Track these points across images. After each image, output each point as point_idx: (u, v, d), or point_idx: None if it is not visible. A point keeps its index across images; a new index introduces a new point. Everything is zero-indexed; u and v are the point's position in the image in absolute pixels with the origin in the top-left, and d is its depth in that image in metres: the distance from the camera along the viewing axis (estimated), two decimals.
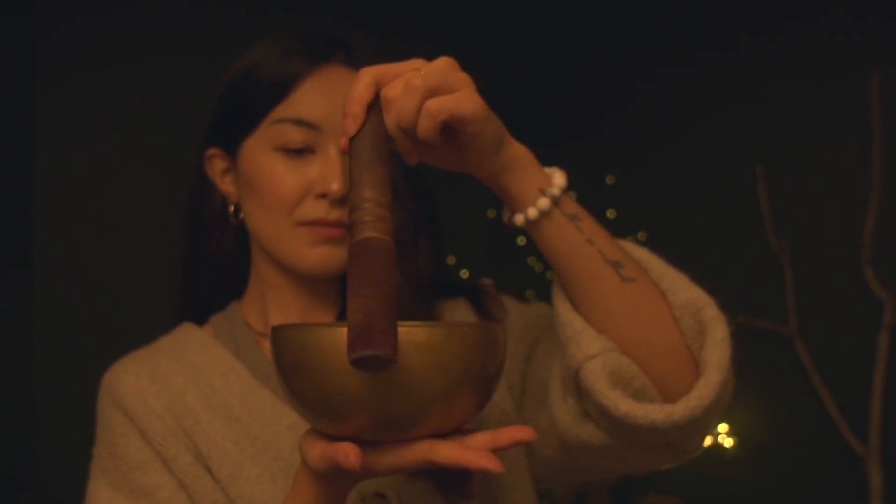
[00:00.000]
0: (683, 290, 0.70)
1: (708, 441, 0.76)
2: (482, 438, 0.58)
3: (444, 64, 0.61)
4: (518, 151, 0.66)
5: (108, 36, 2.14)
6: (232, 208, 0.86)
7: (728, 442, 2.10)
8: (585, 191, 2.09)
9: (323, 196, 0.79)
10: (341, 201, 0.79)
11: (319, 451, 0.58)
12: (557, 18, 2.67)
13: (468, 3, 2.67)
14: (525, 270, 2.41)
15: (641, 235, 2.34)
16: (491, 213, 2.52)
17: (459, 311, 0.89)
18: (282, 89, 0.79)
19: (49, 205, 2.09)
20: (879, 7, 1.91)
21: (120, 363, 0.85)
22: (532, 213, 0.67)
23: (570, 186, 0.69)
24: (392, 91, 0.60)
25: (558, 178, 0.67)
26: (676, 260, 0.73)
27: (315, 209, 0.79)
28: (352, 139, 0.60)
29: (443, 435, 0.58)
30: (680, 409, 0.66)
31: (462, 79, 0.61)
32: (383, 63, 0.62)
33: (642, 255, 0.72)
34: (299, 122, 0.79)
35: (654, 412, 0.66)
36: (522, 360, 0.84)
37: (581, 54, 2.62)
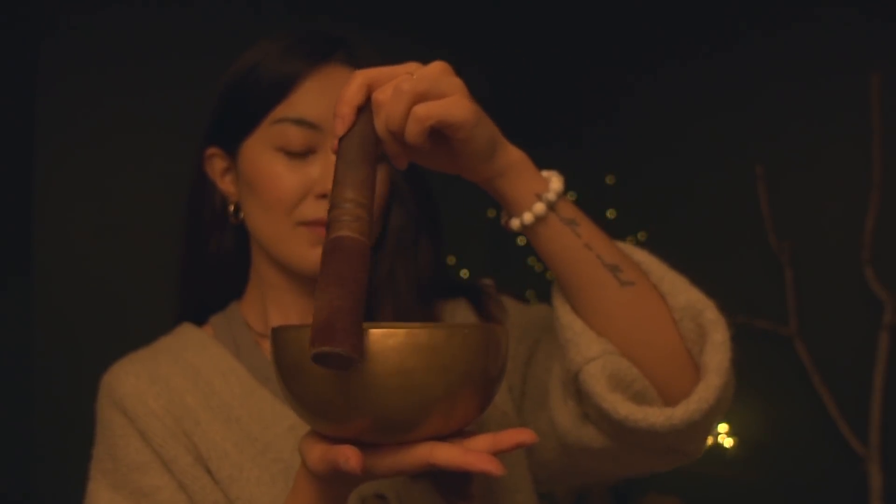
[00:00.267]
0: (683, 292, 0.69)
1: (708, 441, 0.76)
2: (483, 441, 0.57)
3: (436, 69, 0.61)
4: (513, 156, 0.66)
5: (108, 36, 2.13)
6: (232, 208, 0.86)
7: (728, 442, 2.10)
8: (585, 191, 2.09)
9: (323, 196, 0.79)
10: None
11: (319, 453, 0.58)
12: (557, 18, 2.67)
13: (468, 3, 2.66)
14: (525, 271, 2.40)
15: (641, 235, 2.34)
16: (491, 213, 2.52)
17: (460, 312, 0.89)
18: (282, 89, 0.79)
19: (49, 205, 2.09)
20: (879, 7, 1.91)
21: (119, 364, 0.84)
22: (528, 217, 0.66)
23: (570, 187, 0.68)
24: (382, 95, 0.60)
25: (555, 183, 0.67)
26: (676, 260, 0.73)
27: (315, 209, 0.79)
28: (340, 139, 0.61)
29: (444, 437, 0.57)
30: (680, 413, 0.66)
31: (453, 84, 0.61)
32: (384, 63, 0.62)
33: (642, 257, 0.72)
34: (300, 122, 0.78)
35: (654, 415, 0.66)
36: (523, 361, 0.84)
37: (581, 54, 2.62)
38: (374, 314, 0.84)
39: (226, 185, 0.87)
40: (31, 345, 2.05)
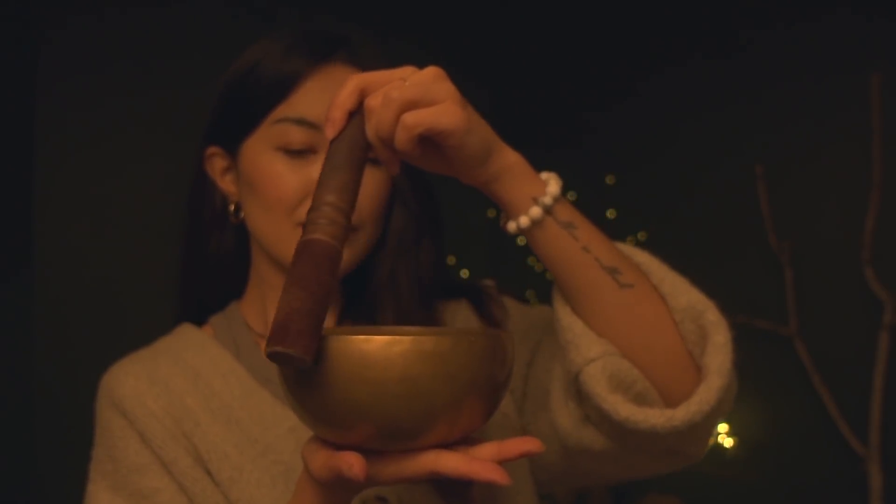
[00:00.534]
0: (684, 294, 0.69)
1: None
2: (488, 449, 0.57)
3: (428, 75, 0.61)
4: (510, 159, 0.65)
5: (108, 36, 2.13)
6: (232, 208, 0.86)
7: (728, 442, 2.10)
8: (585, 191, 2.09)
9: None
10: None
11: (323, 460, 0.57)
12: (557, 18, 2.67)
13: (468, 4, 2.66)
14: (525, 271, 2.40)
15: (641, 235, 2.34)
16: (491, 214, 2.52)
17: (461, 313, 0.88)
18: (283, 88, 0.79)
19: (49, 205, 2.09)
20: (879, 7, 1.91)
21: (119, 364, 0.84)
22: (524, 221, 0.66)
23: (570, 187, 0.68)
24: (373, 101, 0.61)
25: (552, 186, 0.66)
26: (676, 260, 0.72)
27: None
28: (330, 142, 0.61)
29: (449, 444, 0.57)
30: (681, 415, 0.65)
31: (445, 90, 0.60)
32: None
33: (642, 259, 0.72)
34: (301, 122, 0.78)
35: (655, 417, 0.65)
36: (524, 363, 0.84)
37: (581, 54, 2.62)
38: (375, 315, 0.84)
39: (226, 184, 0.86)
40: (31, 345, 2.05)
